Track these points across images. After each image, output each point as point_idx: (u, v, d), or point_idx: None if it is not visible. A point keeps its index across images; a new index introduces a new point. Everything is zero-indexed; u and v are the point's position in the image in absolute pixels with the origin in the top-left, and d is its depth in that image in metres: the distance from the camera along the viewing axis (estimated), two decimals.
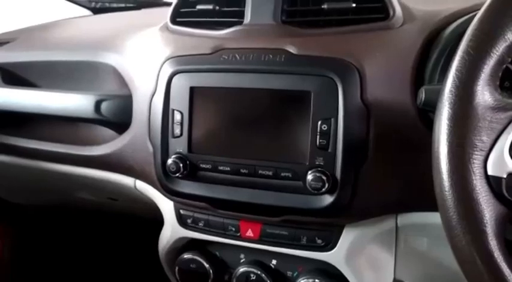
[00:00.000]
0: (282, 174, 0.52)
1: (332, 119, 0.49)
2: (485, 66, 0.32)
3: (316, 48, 0.52)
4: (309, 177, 0.50)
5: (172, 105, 0.56)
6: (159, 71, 0.57)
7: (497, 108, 0.31)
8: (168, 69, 0.56)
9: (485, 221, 0.31)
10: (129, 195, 0.71)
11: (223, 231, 0.60)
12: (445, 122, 0.33)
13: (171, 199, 0.60)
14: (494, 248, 0.30)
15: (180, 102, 0.56)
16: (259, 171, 0.53)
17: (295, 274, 0.60)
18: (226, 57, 0.54)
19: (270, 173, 0.52)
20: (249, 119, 0.53)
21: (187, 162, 0.56)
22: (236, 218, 0.59)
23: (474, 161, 0.31)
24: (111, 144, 0.65)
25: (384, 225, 0.55)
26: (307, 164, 0.50)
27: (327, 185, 0.49)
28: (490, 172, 0.31)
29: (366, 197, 0.50)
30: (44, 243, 1.06)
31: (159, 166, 0.57)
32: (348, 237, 0.55)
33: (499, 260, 0.30)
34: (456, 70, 0.34)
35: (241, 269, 0.61)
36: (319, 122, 0.50)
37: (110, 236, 1.11)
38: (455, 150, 0.32)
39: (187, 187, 0.57)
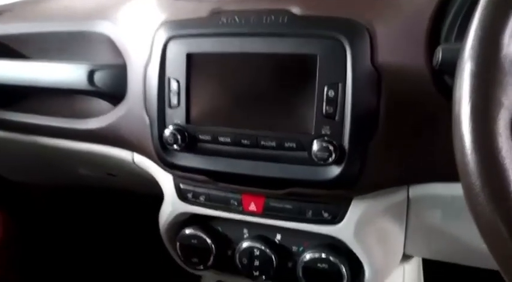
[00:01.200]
0: (286, 144, 0.49)
1: (340, 85, 0.46)
2: None
3: (322, 8, 0.47)
4: (315, 147, 0.47)
5: (168, 74, 0.53)
6: (154, 37, 0.53)
7: None
8: (162, 35, 0.53)
9: (511, 188, 0.27)
10: (128, 170, 0.69)
11: (225, 205, 0.58)
12: (467, 78, 0.29)
13: (170, 172, 0.57)
14: None
15: (176, 69, 0.52)
16: (262, 142, 0.50)
17: (300, 249, 0.58)
18: (224, 20, 0.50)
19: (273, 144, 0.49)
20: (250, 87, 0.50)
21: (186, 133, 0.53)
22: (238, 192, 0.56)
23: (499, 120, 0.28)
24: (107, 117, 0.62)
25: (394, 197, 0.52)
26: (313, 133, 0.47)
27: (333, 156, 0.46)
28: None
29: (376, 168, 0.47)
30: (46, 223, 1.05)
31: (156, 138, 0.55)
32: (356, 210, 0.52)
33: None
34: (479, 20, 0.30)
35: (245, 244, 0.59)
36: (326, 88, 0.46)
37: (111, 215, 1.10)
38: (479, 109, 0.28)
39: (186, 160, 0.54)
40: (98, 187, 0.92)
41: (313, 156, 0.47)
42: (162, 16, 0.55)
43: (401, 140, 0.46)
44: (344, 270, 0.54)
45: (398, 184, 0.51)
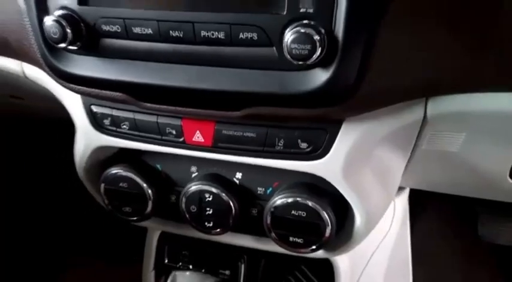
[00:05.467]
0: (242, 35, 0.30)
1: None
2: None
3: None
4: (288, 37, 0.28)
5: None
6: None
7: None
8: None
9: None
10: (29, 89, 0.49)
11: (158, 136, 0.40)
12: None
13: (67, 88, 0.38)
14: None
15: None
16: (202, 33, 0.31)
17: (268, 191, 0.42)
18: None
19: (221, 35, 0.30)
20: None
21: (81, 22, 0.32)
22: (176, 116, 0.38)
23: None
24: None
25: (407, 115, 0.35)
26: (285, 12, 0.28)
27: (319, 51, 0.28)
28: None
29: (383, 72, 0.30)
30: None
31: (37, 33, 0.34)
32: (347, 138, 0.36)
33: None
34: None
35: (193, 187, 0.42)
36: None
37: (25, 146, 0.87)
38: None
39: (85, 66, 0.35)
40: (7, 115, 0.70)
41: (286, 54, 0.28)
42: None
43: (421, 28, 0.28)
44: (327, 217, 0.38)
45: (413, 96, 0.33)
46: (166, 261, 0.57)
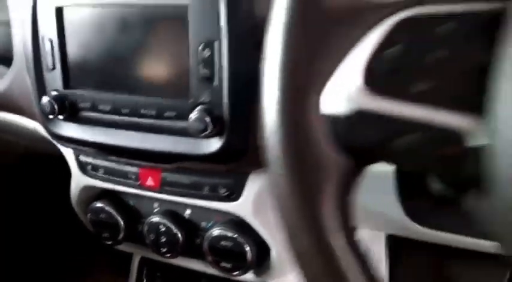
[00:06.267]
0: (166, 113, 0.43)
1: (215, 43, 0.38)
2: None
3: None
4: (192, 116, 0.40)
5: (41, 32, 0.46)
6: None
7: None
8: None
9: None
10: (39, 139, 0.64)
11: (124, 180, 0.53)
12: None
13: (59, 144, 0.52)
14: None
15: (47, 27, 0.45)
16: (142, 110, 0.44)
17: (209, 225, 0.53)
18: None
19: (153, 113, 0.43)
20: (125, 45, 0.43)
21: (66, 100, 0.47)
22: (136, 165, 0.51)
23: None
24: (3, 81, 0.56)
25: None
26: (191, 100, 0.41)
27: (210, 127, 0.39)
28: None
29: None
30: None
31: (37, 107, 0.49)
32: (253, 185, 0.46)
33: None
34: None
35: (152, 220, 0.54)
36: (200, 47, 0.39)
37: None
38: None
39: (69, 130, 0.49)
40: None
41: (190, 127, 0.40)
42: None
43: None
44: (248, 249, 0.49)
45: None
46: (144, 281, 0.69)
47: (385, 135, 0.20)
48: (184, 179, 0.49)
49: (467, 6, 0.20)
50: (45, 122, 0.50)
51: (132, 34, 0.42)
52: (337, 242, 0.22)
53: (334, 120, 0.21)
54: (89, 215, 0.58)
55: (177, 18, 0.39)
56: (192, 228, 0.54)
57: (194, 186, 0.48)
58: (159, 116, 0.43)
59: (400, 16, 0.21)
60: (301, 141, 0.21)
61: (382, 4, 0.21)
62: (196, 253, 0.54)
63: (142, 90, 0.43)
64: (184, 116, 0.42)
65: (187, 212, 0.55)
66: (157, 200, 0.55)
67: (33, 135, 0.63)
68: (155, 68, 0.42)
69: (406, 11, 0.21)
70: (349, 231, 0.22)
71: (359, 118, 0.20)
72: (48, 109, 0.46)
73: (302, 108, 0.21)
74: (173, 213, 0.54)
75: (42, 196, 0.89)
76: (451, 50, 0.19)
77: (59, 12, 0.44)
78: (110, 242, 0.59)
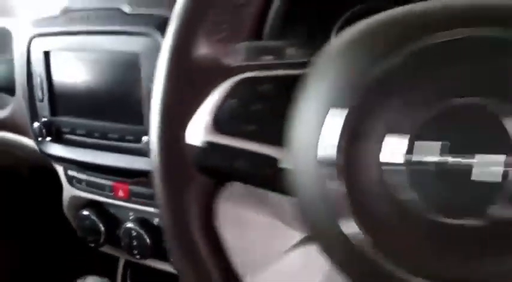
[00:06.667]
0: (126, 137, 0.52)
1: None
2: None
3: (151, 4, 0.49)
4: (144, 139, 0.49)
5: (33, 70, 0.57)
6: (18, 35, 0.58)
7: None
8: (25, 33, 0.57)
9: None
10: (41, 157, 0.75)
11: (101, 191, 0.62)
12: None
13: (50, 161, 0.63)
14: None
15: (38, 66, 0.56)
16: (109, 134, 0.53)
17: None
18: (73, 18, 0.53)
19: (116, 136, 0.53)
20: (95, 82, 0.53)
21: (52, 126, 0.57)
22: (110, 179, 0.61)
23: None
24: (8, 107, 0.68)
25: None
26: (144, 126, 0.50)
27: None
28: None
29: None
30: None
31: (30, 130, 0.60)
32: None
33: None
34: None
35: (126, 226, 0.64)
36: (150, 84, 0.48)
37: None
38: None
39: (55, 149, 0.59)
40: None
41: (143, 149, 0.50)
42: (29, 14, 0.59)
43: None
44: None
45: None
46: None
47: (227, 160, 0.29)
48: (147, 191, 0.58)
49: (280, 72, 0.28)
50: (37, 143, 0.60)
51: (101, 73, 0.52)
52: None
53: (193, 148, 0.29)
54: (76, 221, 0.68)
55: (132, 63, 0.49)
56: (160, 233, 0.63)
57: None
58: (121, 139, 0.53)
59: (241, 77, 0.29)
60: (172, 164, 0.30)
61: (229, 67, 0.30)
62: (164, 255, 0.63)
63: (109, 117, 0.53)
64: (139, 139, 0.51)
65: (156, 219, 0.64)
66: (131, 209, 0.65)
67: (34, 153, 0.75)
68: (118, 99, 0.52)
69: (244, 74, 0.29)
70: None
71: (208, 148, 0.29)
72: (38, 132, 0.57)
73: (174, 137, 0.30)
74: (144, 221, 0.64)
75: (45, 203, 1.00)
76: (267, 103, 0.28)
77: (47, 55, 0.55)
78: (93, 245, 0.68)
